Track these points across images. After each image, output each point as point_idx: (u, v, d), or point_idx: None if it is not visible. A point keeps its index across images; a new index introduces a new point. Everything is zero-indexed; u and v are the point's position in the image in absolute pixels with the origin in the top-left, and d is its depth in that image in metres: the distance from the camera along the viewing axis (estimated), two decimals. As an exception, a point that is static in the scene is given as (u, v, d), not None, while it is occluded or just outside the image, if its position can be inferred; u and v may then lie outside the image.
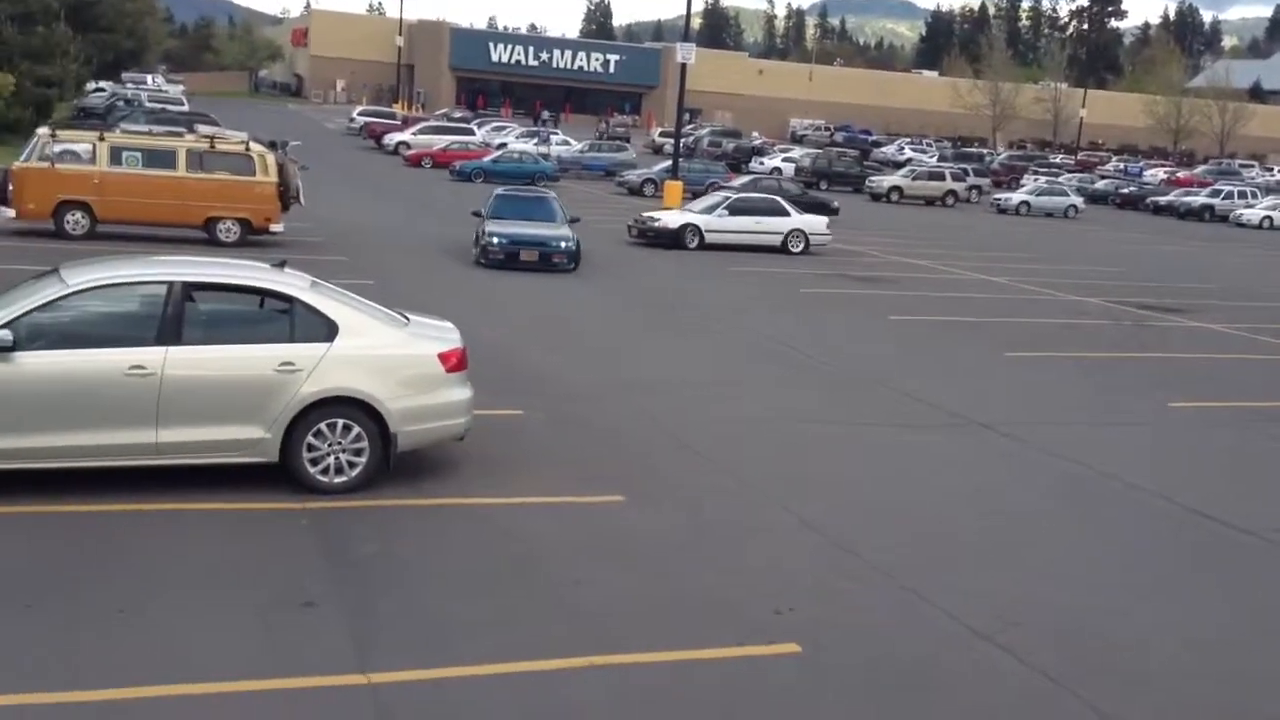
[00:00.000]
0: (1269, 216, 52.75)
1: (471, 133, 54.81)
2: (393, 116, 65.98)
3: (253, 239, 21.93)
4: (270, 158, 22.26)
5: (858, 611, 7.51)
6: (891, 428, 12.38)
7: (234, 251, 19.64)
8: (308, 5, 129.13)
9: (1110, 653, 7.15)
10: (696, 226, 27.35)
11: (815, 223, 28.84)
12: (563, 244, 21.97)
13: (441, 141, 50.79)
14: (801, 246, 27.95)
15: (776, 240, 27.86)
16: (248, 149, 22.11)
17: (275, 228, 22.20)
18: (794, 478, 10.35)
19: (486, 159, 46.17)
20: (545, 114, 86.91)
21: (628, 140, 65.10)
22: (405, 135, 54.39)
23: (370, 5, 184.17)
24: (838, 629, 7.20)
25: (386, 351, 9.05)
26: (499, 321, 16.44)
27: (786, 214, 28.54)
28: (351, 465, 8.86)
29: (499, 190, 24.42)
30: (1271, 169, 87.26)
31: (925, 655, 6.94)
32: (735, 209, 28.16)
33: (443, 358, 9.21)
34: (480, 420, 10.03)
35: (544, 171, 45.75)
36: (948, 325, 19.46)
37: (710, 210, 28.17)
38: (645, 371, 14.37)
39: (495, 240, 21.82)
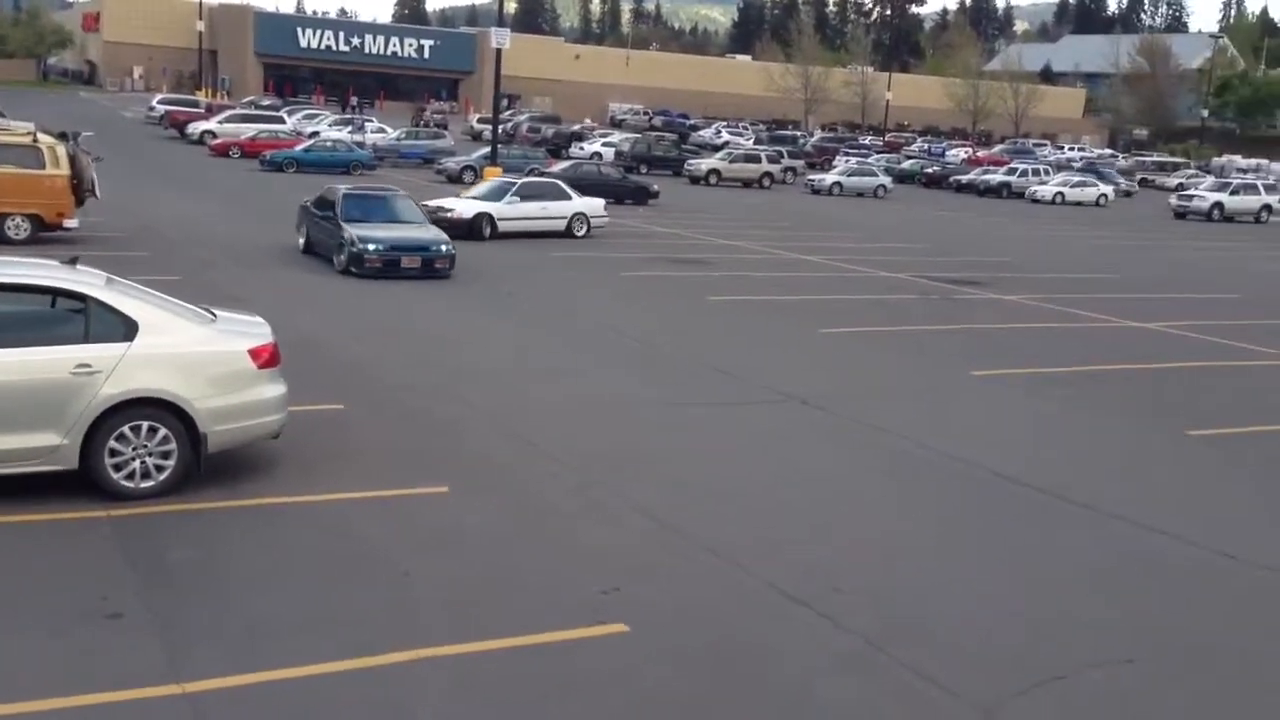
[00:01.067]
0: (1060, 192, 55.82)
1: (281, 120, 53.05)
2: (196, 104, 63.20)
3: (45, 236, 20.72)
4: (61, 149, 21.03)
5: (684, 588, 7.63)
6: (713, 406, 12.60)
7: (24, 249, 18.50)
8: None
9: (922, 613, 7.47)
10: (490, 215, 26.23)
11: (595, 205, 28.59)
12: (443, 248, 20.32)
13: (249, 130, 48.98)
14: (584, 230, 27.73)
15: (561, 225, 27.46)
16: (35, 140, 20.84)
17: (69, 223, 21.01)
18: (619, 459, 10.43)
19: (298, 148, 44.78)
20: (355, 100, 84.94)
21: (445, 127, 64.22)
22: (210, 124, 52.26)
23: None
24: (665, 607, 7.30)
25: (192, 349, 8.70)
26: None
27: (569, 197, 28.00)
28: (159, 469, 8.49)
29: (345, 189, 21.94)
30: (1062, 147, 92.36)
31: (750, 627, 7.12)
32: (524, 194, 27.26)
33: (253, 354, 8.91)
34: (299, 416, 9.76)
35: (359, 160, 44.73)
36: (766, 304, 19.92)
37: (499, 197, 26.90)
38: (468, 361, 14.23)
39: (372, 247, 19.66)
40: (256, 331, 9.24)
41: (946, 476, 10.55)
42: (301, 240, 22.41)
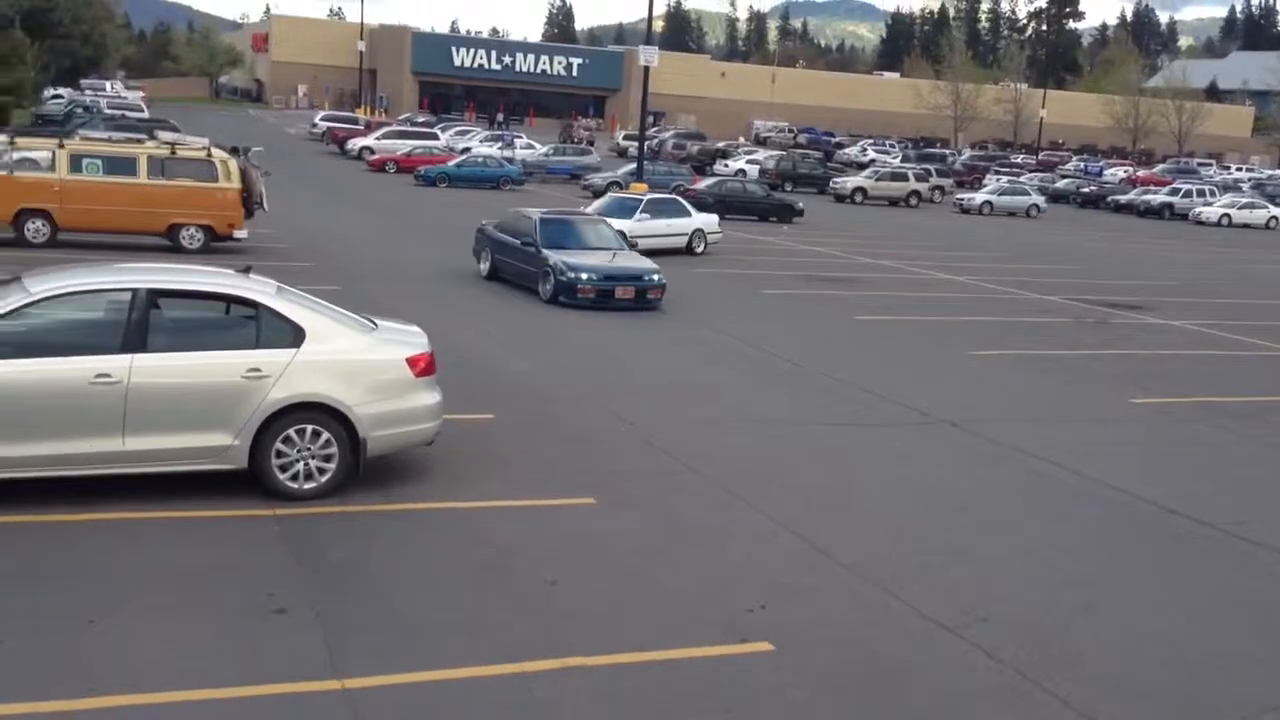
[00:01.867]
0: (1227, 214, 53.51)
1: (435, 137, 54.64)
2: (355, 121, 65.60)
3: (216, 246, 21.76)
4: (232, 163, 22.09)
5: (829, 609, 7.56)
6: (860, 427, 12.46)
7: (198, 258, 19.48)
8: (267, 10, 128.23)
9: (1076, 646, 7.23)
10: (623, 233, 24.04)
11: (711, 221, 28.26)
12: (656, 277, 18.87)
13: (405, 146, 50.60)
14: (703, 246, 27.26)
15: (683, 241, 26.91)
16: (209, 155, 21.94)
17: (239, 234, 22.03)
18: (765, 478, 10.39)
19: (450, 163, 46.05)
20: (501, 116, 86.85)
21: (592, 143, 65.16)
22: (369, 140, 54.12)
23: (331, 9, 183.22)
24: (810, 626, 7.24)
25: (354, 356, 9.02)
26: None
27: (689, 214, 27.61)
28: (321, 471, 8.82)
29: (541, 214, 20.55)
30: (1229, 167, 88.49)
31: (895, 650, 7.01)
32: (653, 211, 26.67)
33: (411, 362, 9.18)
34: (451, 425, 10.01)
35: (508, 175, 45.72)
36: (914, 325, 19.59)
37: (628, 214, 25.95)
38: (617, 376, 14.38)
39: (585, 276, 18.43)
40: (415, 340, 9.53)
41: (1101, 506, 10.19)
42: (484, 266, 21.12)
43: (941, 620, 7.40)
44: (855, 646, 7.03)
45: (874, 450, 11.54)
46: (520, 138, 60.31)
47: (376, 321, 9.70)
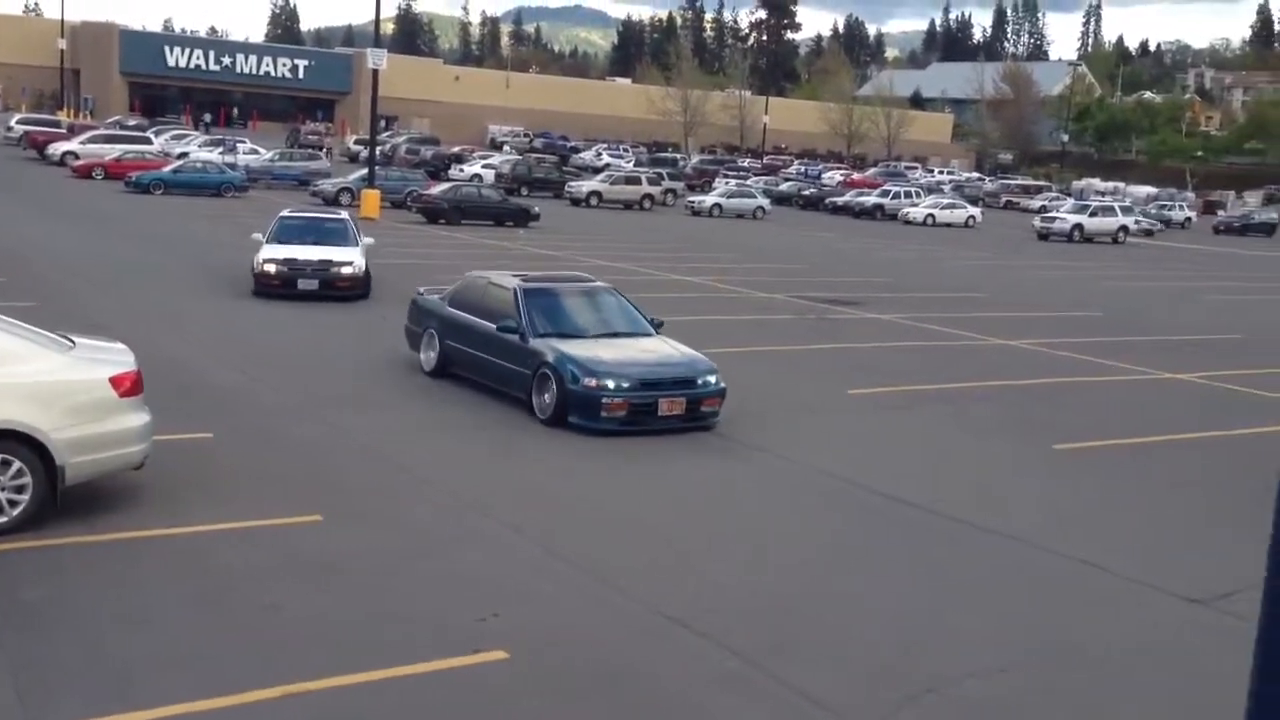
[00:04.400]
0: (931, 214, 57.43)
1: (148, 141, 51.58)
2: (57, 124, 60.98)
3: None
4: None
5: (563, 612, 7.56)
6: (590, 430, 12.55)
7: None
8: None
9: (798, 628, 7.54)
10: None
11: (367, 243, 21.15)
12: (713, 379, 12.94)
13: (114, 151, 47.49)
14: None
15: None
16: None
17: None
18: (499, 484, 10.32)
19: (166, 169, 43.58)
20: (208, 118, 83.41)
21: (321, 148, 63.21)
22: (73, 144, 50.46)
23: (26, 5, 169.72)
24: (544, 632, 7.22)
25: (48, 378, 8.34)
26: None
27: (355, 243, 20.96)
28: (12, 504, 8.11)
29: (520, 282, 13.81)
30: (932, 170, 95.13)
31: (628, 648, 7.09)
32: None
33: (114, 382, 8.58)
34: (164, 446, 9.42)
35: (230, 182, 43.70)
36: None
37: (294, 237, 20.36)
38: (339, 388, 13.95)
39: (612, 384, 12.14)
40: (118, 359, 8.90)
41: (823, 494, 10.70)
42: (429, 357, 14.48)
43: (672, 615, 7.54)
44: (589, 648, 7.06)
45: (605, 451, 11.66)
46: (244, 142, 57.73)
47: (75, 339, 9.01)
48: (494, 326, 13.15)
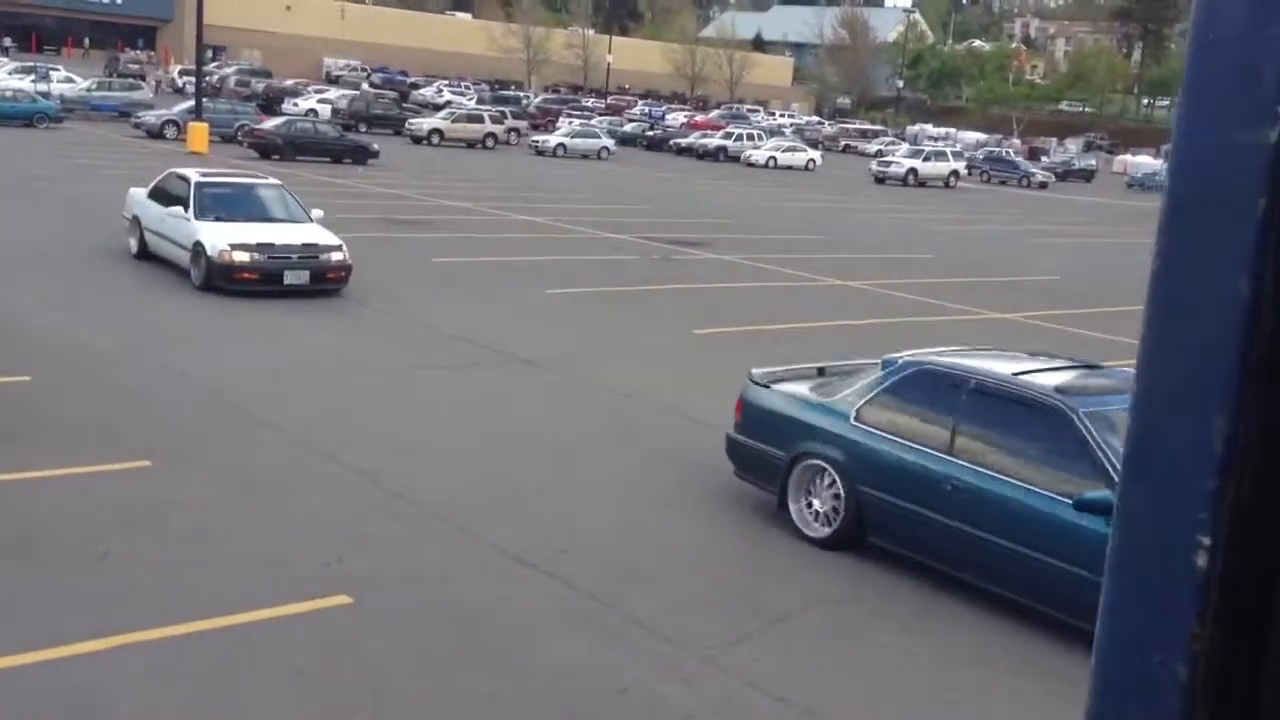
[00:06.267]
0: (773, 156, 58.24)
1: (-49, 67, 48.07)
2: None
3: None
4: None
5: (410, 556, 7.46)
6: (438, 369, 12.39)
7: None
8: None
9: (648, 569, 7.62)
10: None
11: None
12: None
13: (-88, 77, 44.15)
14: None
15: None
16: None
17: None
18: (340, 425, 10.09)
19: (-29, 97, 40.76)
20: (7, 41, 78.46)
21: (142, 78, 60.11)
22: None
23: None
24: (390, 575, 7.11)
25: None
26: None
27: None
28: None
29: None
30: (774, 114, 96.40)
31: (477, 590, 7.05)
32: None
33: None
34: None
35: (43, 111, 41.27)
36: (492, 266, 19.74)
37: None
38: (164, 328, 13.37)
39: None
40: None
41: (673, 435, 10.80)
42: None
43: (522, 556, 7.52)
44: (437, 590, 6.99)
45: (452, 392, 11.52)
46: (58, 70, 54.35)
47: None
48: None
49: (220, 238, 15.20)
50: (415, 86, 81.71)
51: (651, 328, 15.64)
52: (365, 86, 73.30)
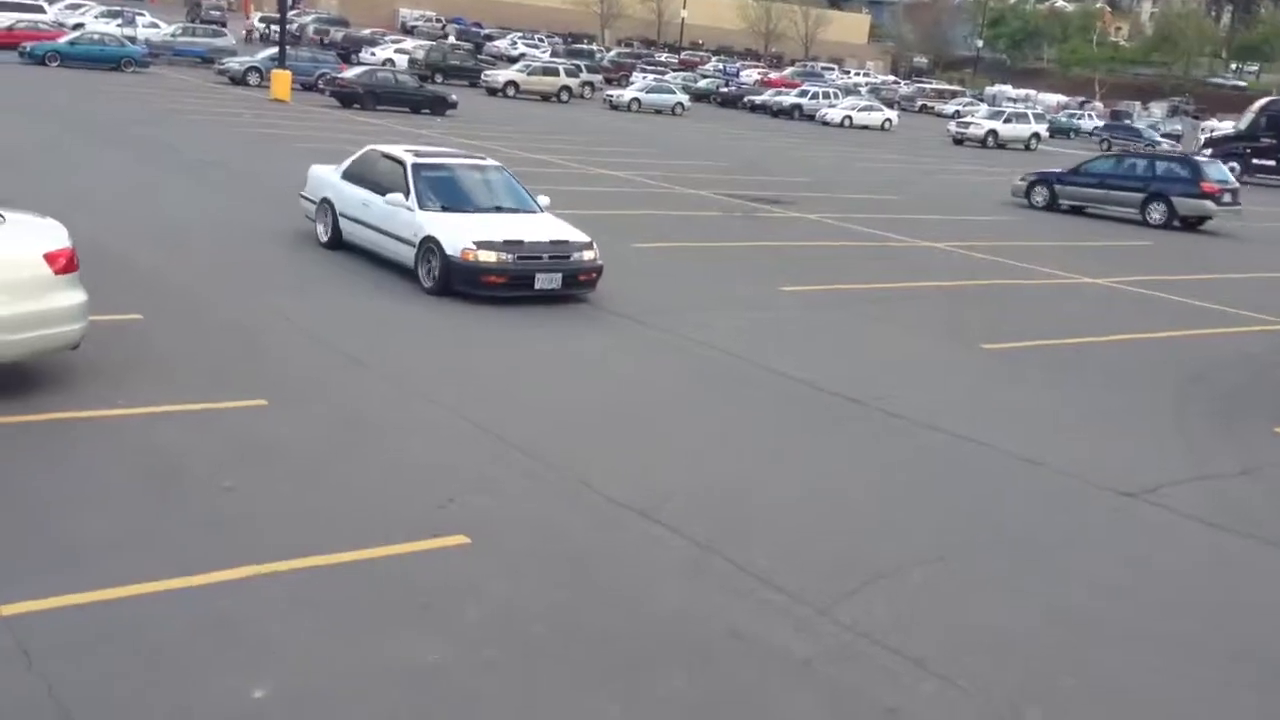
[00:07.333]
0: (849, 115, 57.57)
1: (42, 10, 48.94)
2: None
3: None
4: None
5: (521, 500, 7.59)
6: (534, 324, 12.50)
7: None
8: None
9: (748, 517, 7.69)
10: None
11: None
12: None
13: (6, 20, 45.01)
14: None
15: None
16: None
17: None
18: (445, 371, 10.25)
19: (62, 40, 41.56)
20: None
21: (224, 24, 60.74)
22: (-41, 11, 47.65)
23: None
24: (504, 518, 7.25)
25: (-21, 254, 7.71)
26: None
27: None
28: (-54, 383, 7.46)
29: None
30: (848, 72, 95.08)
31: (589, 535, 7.16)
32: None
33: (50, 258, 8.24)
34: (96, 327, 9.13)
35: (131, 56, 42.00)
36: (575, 219, 19.74)
37: None
38: (279, 279, 13.62)
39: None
40: (53, 234, 8.54)
41: (765, 389, 10.83)
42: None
43: (629, 504, 7.62)
44: (550, 533, 7.11)
45: (549, 343, 11.63)
46: (143, 15, 55.16)
47: (5, 214, 8.60)
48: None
49: (460, 233, 12.73)
50: (490, 38, 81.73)
51: (739, 284, 15.60)
52: (452, 38, 73.34)
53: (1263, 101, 48.09)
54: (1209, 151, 46.10)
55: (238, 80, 41.35)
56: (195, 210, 16.91)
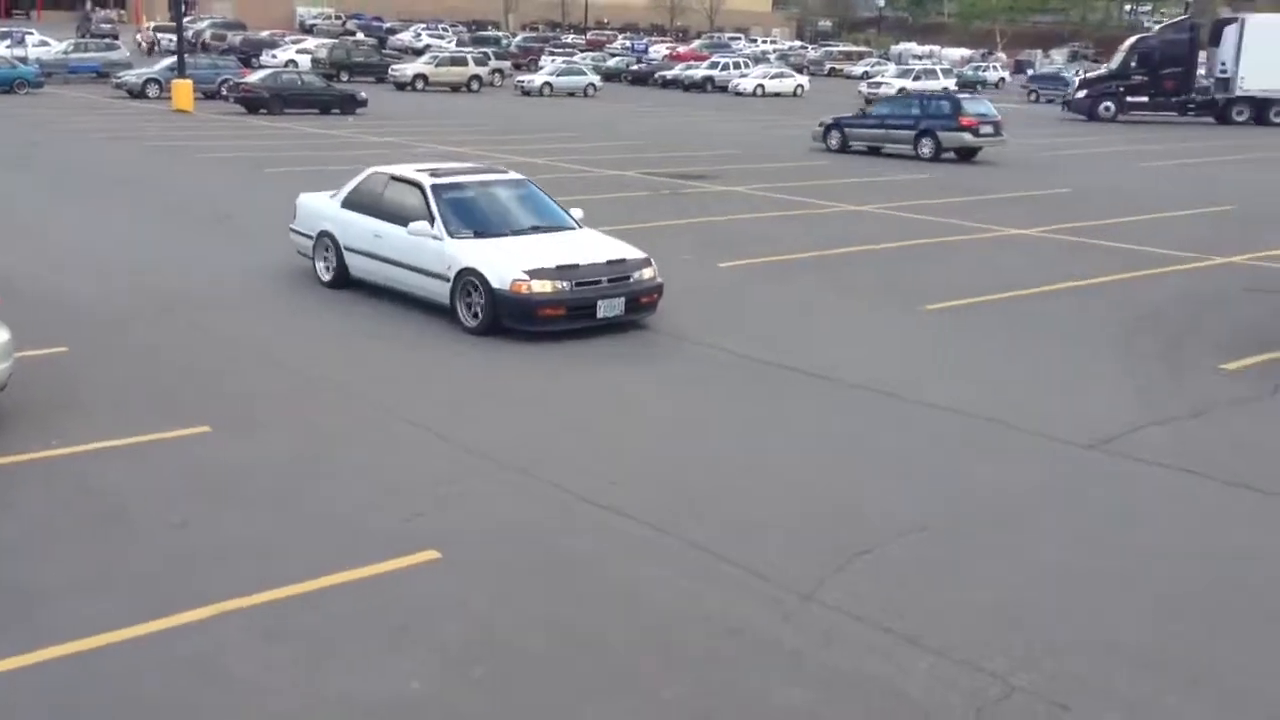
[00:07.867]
0: (761, 84, 57.67)
1: (-77, 35, 47.18)
2: None
3: None
4: None
5: (482, 504, 7.39)
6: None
7: None
8: None
9: (721, 500, 7.56)
10: None
11: None
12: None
13: (-114, 47, 43.34)
14: None
15: None
16: None
17: None
18: (392, 380, 9.98)
19: (-51, 65, 40.05)
20: None
21: (116, 37, 59.13)
22: None
23: None
24: (470, 527, 7.05)
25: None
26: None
27: None
28: None
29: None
30: (755, 40, 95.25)
31: (551, 531, 6.99)
32: None
33: (-33, 297, 7.77)
34: (19, 365, 8.72)
35: (23, 76, 40.69)
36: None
37: None
38: (200, 288, 13.19)
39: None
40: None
41: (713, 366, 10.71)
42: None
43: (579, 493, 7.45)
44: (516, 536, 6.91)
45: (486, 346, 11.40)
46: (32, 34, 53.38)
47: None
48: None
49: (505, 262, 11.19)
50: (392, 32, 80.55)
51: (672, 262, 15.44)
52: (359, 35, 72.02)
53: (1132, 40, 48.84)
54: (1084, 92, 46.96)
55: (136, 94, 40.24)
56: (111, 235, 16.34)
